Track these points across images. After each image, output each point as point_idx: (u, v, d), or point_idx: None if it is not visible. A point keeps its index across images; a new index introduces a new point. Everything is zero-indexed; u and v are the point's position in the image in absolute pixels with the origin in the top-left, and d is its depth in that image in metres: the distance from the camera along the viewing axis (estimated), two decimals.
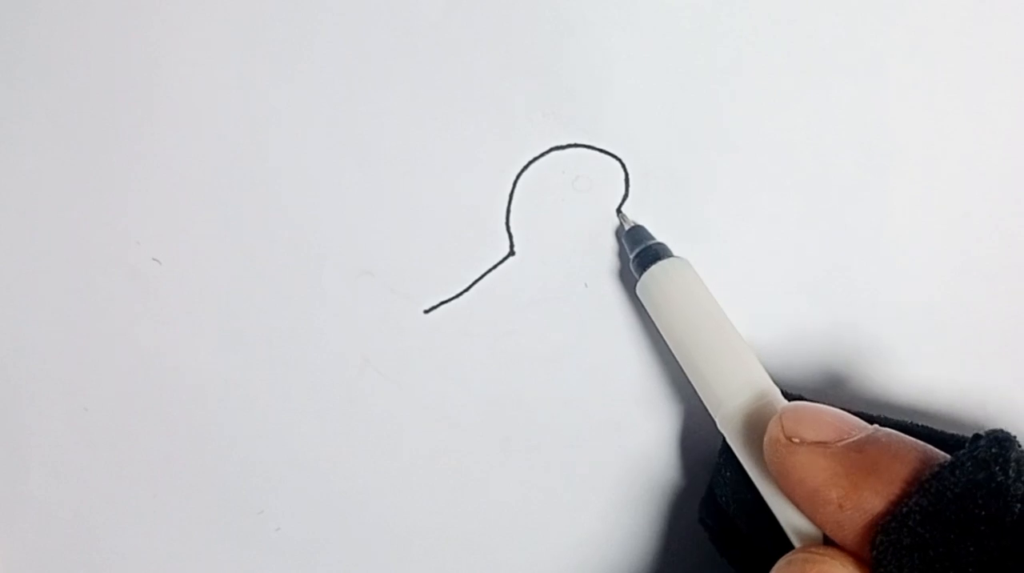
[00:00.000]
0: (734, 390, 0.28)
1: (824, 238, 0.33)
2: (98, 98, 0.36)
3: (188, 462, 0.36)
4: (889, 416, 0.28)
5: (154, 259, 0.36)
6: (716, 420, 0.28)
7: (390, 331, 0.35)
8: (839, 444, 0.24)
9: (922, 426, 0.29)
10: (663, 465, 0.34)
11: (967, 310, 0.32)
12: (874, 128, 0.32)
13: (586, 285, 0.34)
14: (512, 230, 0.34)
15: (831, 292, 0.33)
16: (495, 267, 0.34)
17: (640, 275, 0.31)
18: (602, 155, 0.34)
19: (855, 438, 0.24)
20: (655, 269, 0.31)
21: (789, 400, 0.28)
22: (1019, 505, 0.22)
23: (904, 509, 0.22)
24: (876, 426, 0.25)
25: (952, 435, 0.28)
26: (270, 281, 0.35)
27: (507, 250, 0.34)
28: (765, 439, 0.25)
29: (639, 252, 0.31)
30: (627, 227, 0.33)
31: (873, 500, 0.23)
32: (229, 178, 0.35)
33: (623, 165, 0.33)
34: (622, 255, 0.33)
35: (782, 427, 0.25)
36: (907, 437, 0.24)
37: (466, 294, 0.34)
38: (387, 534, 0.35)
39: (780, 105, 0.33)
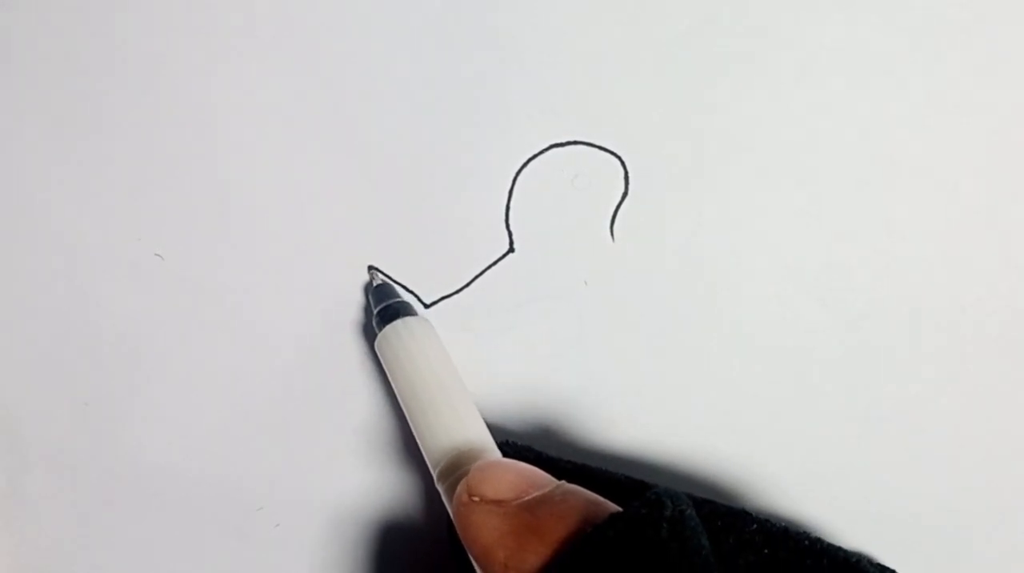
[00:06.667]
0: (445, 450, 0.28)
1: (824, 237, 0.33)
2: (100, 95, 0.36)
3: (188, 458, 0.36)
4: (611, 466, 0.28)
5: (156, 255, 0.36)
6: (435, 481, 0.29)
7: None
8: (514, 503, 0.23)
9: (626, 477, 0.29)
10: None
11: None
12: (875, 127, 0.33)
13: (585, 282, 0.34)
14: (512, 227, 0.34)
15: (832, 294, 0.33)
16: (495, 264, 0.34)
17: (380, 331, 0.32)
18: (602, 153, 0.34)
19: (531, 497, 0.23)
20: (390, 328, 0.32)
21: (514, 452, 0.29)
22: (677, 561, 0.22)
23: (551, 569, 0.22)
24: (561, 483, 0.24)
25: (652, 487, 0.27)
26: (271, 278, 0.35)
27: (507, 247, 0.34)
28: (454, 497, 0.25)
29: (381, 309, 0.33)
30: (375, 283, 0.34)
31: (532, 561, 0.22)
32: (230, 175, 0.35)
33: (623, 163, 0.34)
34: (367, 310, 0.35)
35: (467, 485, 0.24)
36: (585, 494, 0.24)
37: (466, 290, 0.34)
38: (387, 531, 0.35)
39: (781, 104, 0.33)
